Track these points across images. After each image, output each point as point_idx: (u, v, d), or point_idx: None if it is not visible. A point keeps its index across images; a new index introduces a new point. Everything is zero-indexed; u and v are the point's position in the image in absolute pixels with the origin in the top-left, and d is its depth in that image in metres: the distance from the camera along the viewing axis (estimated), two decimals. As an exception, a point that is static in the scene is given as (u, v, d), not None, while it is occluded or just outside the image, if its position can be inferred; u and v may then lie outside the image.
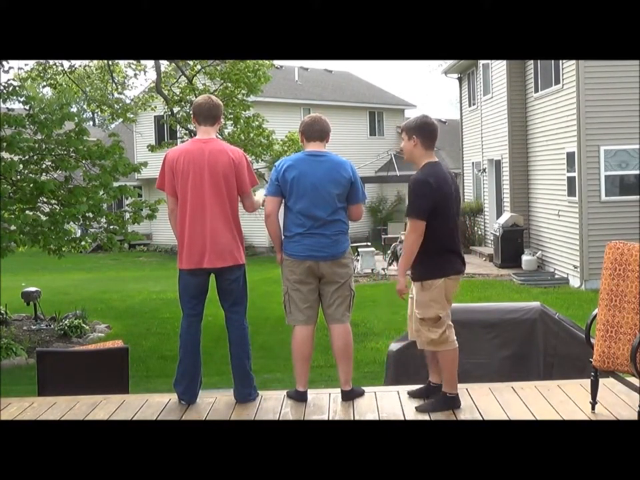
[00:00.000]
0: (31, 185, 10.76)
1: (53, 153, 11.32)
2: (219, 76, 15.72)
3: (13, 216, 10.66)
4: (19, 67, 15.83)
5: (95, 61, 16.92)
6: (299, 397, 4.94)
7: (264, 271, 18.76)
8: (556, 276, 16.56)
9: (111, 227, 12.09)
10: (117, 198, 11.74)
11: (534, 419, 4.46)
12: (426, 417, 4.57)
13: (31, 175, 11.19)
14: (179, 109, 15.79)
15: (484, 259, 19.85)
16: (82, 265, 24.07)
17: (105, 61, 16.15)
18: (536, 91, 17.71)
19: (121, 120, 16.01)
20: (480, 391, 5.01)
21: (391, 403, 4.87)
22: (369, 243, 22.30)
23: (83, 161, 11.36)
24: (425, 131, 4.64)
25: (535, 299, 10.21)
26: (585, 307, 12.28)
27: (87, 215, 11.01)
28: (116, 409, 4.91)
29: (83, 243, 11.81)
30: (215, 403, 4.96)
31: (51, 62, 15.74)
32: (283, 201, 4.91)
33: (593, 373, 4.47)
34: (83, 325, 12.70)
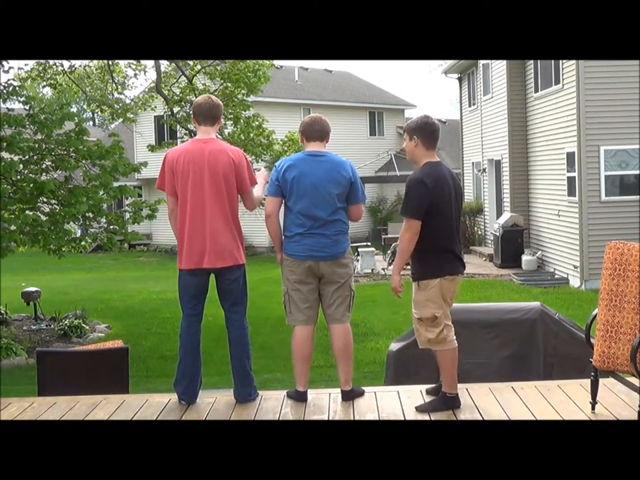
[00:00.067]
0: (31, 185, 10.75)
1: (53, 153, 11.31)
2: (219, 76, 15.71)
3: (12, 216, 10.66)
4: (18, 67, 15.84)
5: (95, 61, 16.91)
6: (299, 397, 4.94)
7: (264, 270, 18.77)
8: (556, 276, 16.56)
9: (111, 226, 12.09)
10: (117, 198, 11.73)
11: (534, 418, 4.46)
12: (426, 417, 4.57)
13: (31, 174, 11.18)
14: (179, 109, 15.78)
15: (484, 259, 19.85)
16: (82, 265, 24.06)
17: (105, 61, 16.14)
18: (536, 91, 17.70)
19: (121, 120, 16.00)
20: (480, 390, 5.01)
21: (390, 403, 4.86)
22: (369, 243, 22.31)
23: (83, 161, 11.35)
24: (425, 131, 4.65)
25: (534, 299, 10.20)
26: (585, 307, 12.28)
27: (87, 214, 11.01)
28: (116, 409, 4.91)
29: (82, 243, 11.81)
30: (215, 403, 4.96)
31: (51, 62, 15.73)
32: (283, 201, 4.91)
33: (592, 373, 4.47)
34: (83, 325, 12.69)
